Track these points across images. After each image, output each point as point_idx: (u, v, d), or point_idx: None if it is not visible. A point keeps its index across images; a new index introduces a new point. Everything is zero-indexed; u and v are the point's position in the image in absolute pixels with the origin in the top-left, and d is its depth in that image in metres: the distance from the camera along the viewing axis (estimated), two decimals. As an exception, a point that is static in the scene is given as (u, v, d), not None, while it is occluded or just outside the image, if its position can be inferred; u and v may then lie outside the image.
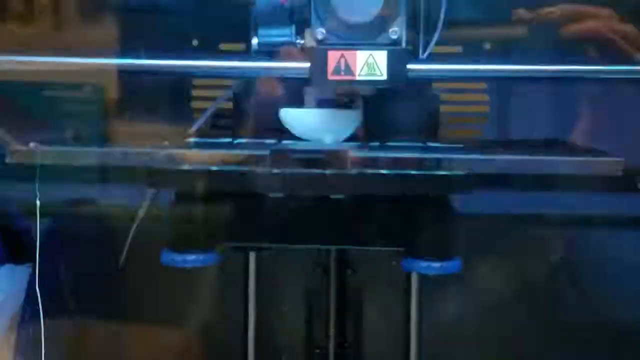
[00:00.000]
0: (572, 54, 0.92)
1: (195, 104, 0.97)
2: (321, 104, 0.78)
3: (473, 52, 0.96)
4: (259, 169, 0.66)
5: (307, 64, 0.72)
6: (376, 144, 0.78)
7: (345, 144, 0.77)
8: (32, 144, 0.68)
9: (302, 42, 0.74)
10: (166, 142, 0.74)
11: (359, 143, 0.77)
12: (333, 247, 0.77)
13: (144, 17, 0.94)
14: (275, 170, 0.66)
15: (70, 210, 0.89)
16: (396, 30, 0.71)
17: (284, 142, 0.77)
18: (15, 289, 0.86)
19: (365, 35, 0.71)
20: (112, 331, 0.93)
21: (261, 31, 0.74)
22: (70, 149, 0.69)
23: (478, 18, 0.95)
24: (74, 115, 0.93)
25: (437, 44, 0.95)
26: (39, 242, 0.75)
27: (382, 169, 0.66)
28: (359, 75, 0.71)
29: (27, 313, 0.84)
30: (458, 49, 0.96)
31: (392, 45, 0.71)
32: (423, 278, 0.75)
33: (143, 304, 0.94)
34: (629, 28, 0.86)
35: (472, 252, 0.72)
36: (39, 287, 0.76)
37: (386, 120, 0.90)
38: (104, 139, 0.81)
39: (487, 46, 0.97)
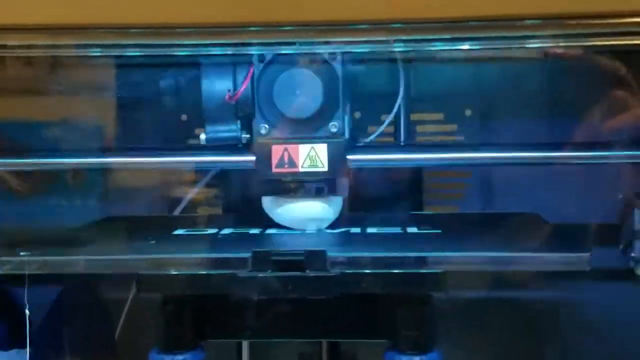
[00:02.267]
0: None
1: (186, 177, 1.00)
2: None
3: (454, 118, 0.98)
4: (241, 274, 0.68)
5: (253, 157, 0.76)
6: (357, 231, 0.80)
7: (326, 232, 0.79)
8: (22, 253, 0.70)
9: (247, 136, 0.77)
10: (153, 242, 0.76)
11: (339, 232, 0.79)
12: (320, 340, 0.79)
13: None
14: (256, 274, 0.67)
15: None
16: (335, 124, 0.75)
17: (268, 232, 0.79)
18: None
19: (307, 129, 0.75)
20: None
21: (208, 127, 0.77)
22: (58, 259, 0.70)
23: (460, 87, 0.97)
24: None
25: (421, 111, 0.99)
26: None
27: (360, 268, 0.68)
28: (302, 167, 0.75)
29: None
30: (440, 116, 0.99)
31: (331, 138, 0.75)
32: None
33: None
34: None
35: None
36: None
37: (369, 192, 0.92)
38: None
39: (468, 112, 0.99)
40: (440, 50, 0.75)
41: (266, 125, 0.76)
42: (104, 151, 0.85)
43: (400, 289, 0.68)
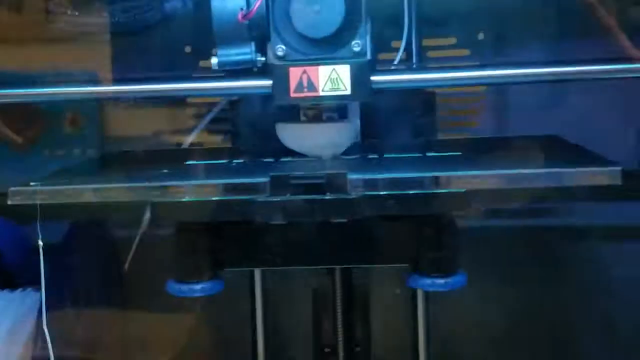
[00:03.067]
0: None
1: (191, 111, 0.98)
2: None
3: (467, 43, 0.96)
4: (259, 198, 0.66)
5: (269, 82, 0.70)
6: (375, 156, 0.78)
7: (343, 158, 0.77)
8: (32, 184, 0.68)
9: (262, 59, 0.71)
10: (165, 170, 0.74)
11: (357, 157, 0.76)
12: (339, 266, 0.77)
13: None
14: (275, 199, 0.65)
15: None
16: (358, 43, 0.69)
17: (282, 160, 0.77)
18: (26, 312, 0.86)
19: (327, 49, 0.69)
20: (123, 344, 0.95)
21: (220, 50, 0.71)
22: (69, 187, 0.68)
23: (473, 10, 0.95)
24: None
25: (433, 36, 0.96)
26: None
27: (380, 190, 0.66)
28: (323, 91, 0.69)
29: (40, 337, 0.85)
30: (452, 40, 0.96)
31: (354, 59, 0.69)
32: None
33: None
34: None
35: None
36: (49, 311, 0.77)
37: (385, 122, 0.90)
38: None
39: (481, 36, 0.96)
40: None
41: (283, 46, 0.70)
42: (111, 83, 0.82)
43: (422, 210, 0.66)
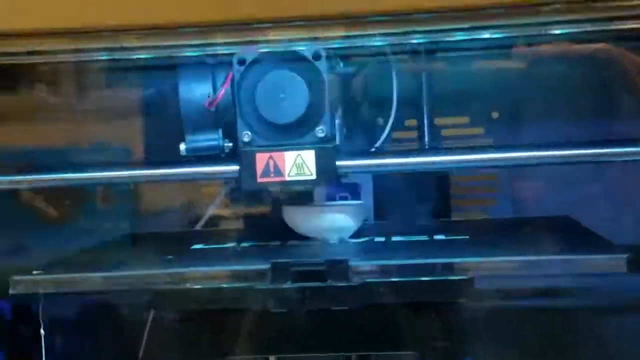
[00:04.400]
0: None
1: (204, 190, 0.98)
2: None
3: (480, 121, 0.95)
4: (259, 286, 0.65)
5: (236, 167, 0.70)
6: (381, 239, 0.77)
7: (349, 242, 0.76)
8: (34, 272, 0.69)
9: (230, 145, 0.72)
10: (170, 257, 0.73)
11: (362, 241, 0.76)
12: (348, 354, 0.75)
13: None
14: (274, 286, 0.65)
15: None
16: (323, 129, 0.69)
17: (288, 244, 0.76)
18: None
19: (293, 135, 0.69)
20: None
21: (188, 137, 0.72)
22: (71, 276, 0.68)
23: (485, 89, 0.94)
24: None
25: (445, 115, 0.96)
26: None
27: (383, 277, 0.64)
28: (289, 175, 0.69)
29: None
30: (465, 119, 0.96)
31: (319, 144, 0.69)
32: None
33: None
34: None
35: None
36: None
37: (396, 200, 0.89)
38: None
39: (495, 115, 0.96)
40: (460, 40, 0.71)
41: (249, 132, 0.70)
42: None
43: (425, 297, 0.65)
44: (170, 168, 0.75)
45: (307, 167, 0.69)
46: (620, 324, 0.89)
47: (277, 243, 0.77)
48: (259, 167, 0.69)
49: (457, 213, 0.93)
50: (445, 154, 0.77)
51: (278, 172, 0.69)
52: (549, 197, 0.92)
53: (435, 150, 0.86)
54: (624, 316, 0.89)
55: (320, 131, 0.69)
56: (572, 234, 0.75)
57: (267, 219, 0.87)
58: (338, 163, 0.70)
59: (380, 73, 0.81)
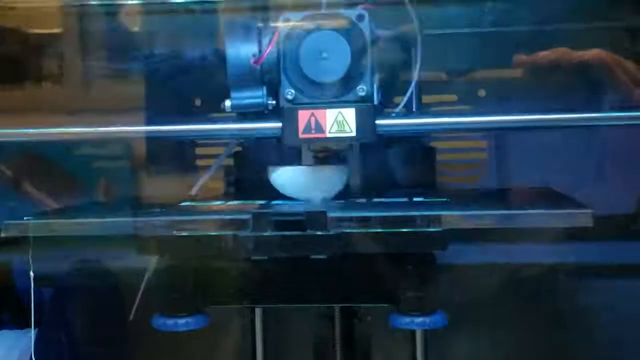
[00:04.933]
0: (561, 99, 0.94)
1: (200, 162, 1.01)
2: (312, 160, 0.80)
3: (468, 99, 0.98)
4: (241, 233, 0.68)
5: (279, 124, 0.74)
6: (362, 200, 0.79)
7: (331, 201, 0.78)
8: (25, 218, 0.71)
9: (273, 102, 0.75)
10: (157, 209, 0.76)
11: (344, 201, 0.78)
12: (322, 305, 0.78)
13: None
14: (254, 234, 0.67)
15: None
16: (363, 88, 0.73)
17: (274, 202, 0.79)
18: (17, 354, 0.87)
19: (334, 93, 0.73)
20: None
21: (233, 93, 0.75)
22: (63, 221, 0.71)
23: (473, 67, 0.97)
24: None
25: (434, 92, 0.98)
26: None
27: (361, 228, 0.67)
28: (329, 132, 0.73)
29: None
30: (453, 97, 0.98)
31: (360, 103, 0.73)
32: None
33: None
34: (627, 62, 0.88)
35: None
36: (43, 352, 0.78)
37: (381, 172, 0.91)
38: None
39: (482, 93, 0.98)
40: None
41: (292, 90, 0.73)
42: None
43: (400, 248, 0.67)
44: (217, 124, 0.79)
45: (348, 125, 0.73)
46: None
47: (263, 202, 0.80)
48: (301, 123, 0.73)
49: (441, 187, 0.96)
50: (483, 115, 0.80)
51: (319, 128, 0.73)
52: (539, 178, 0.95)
53: (471, 114, 0.89)
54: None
55: (360, 90, 0.73)
56: (548, 199, 0.78)
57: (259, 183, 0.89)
58: (377, 122, 0.73)
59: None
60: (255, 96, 0.75)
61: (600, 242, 0.84)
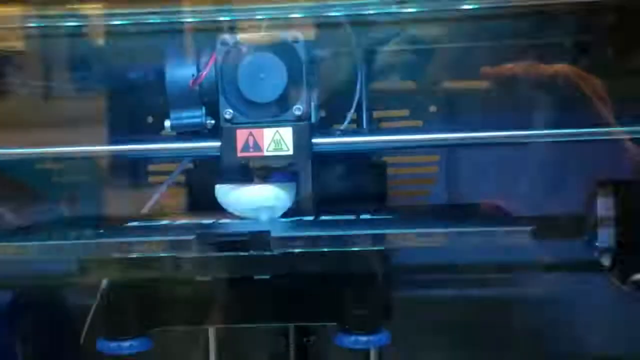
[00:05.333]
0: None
1: (152, 179, 1.00)
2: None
3: (419, 115, 0.98)
4: (184, 254, 0.67)
5: (218, 143, 0.75)
6: (309, 218, 0.79)
7: (278, 220, 0.78)
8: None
9: (212, 122, 0.77)
10: (101, 230, 0.75)
11: (290, 219, 0.78)
12: (267, 325, 0.78)
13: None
14: (197, 255, 0.67)
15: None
16: (300, 107, 0.74)
17: (220, 222, 0.79)
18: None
19: (272, 113, 0.75)
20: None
21: (173, 114, 0.77)
22: (4, 245, 0.70)
23: (424, 83, 0.98)
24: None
25: (386, 108, 0.99)
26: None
27: (302, 248, 0.67)
28: (267, 151, 0.74)
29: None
30: (405, 112, 0.99)
31: (296, 122, 0.74)
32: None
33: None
34: (591, 77, 0.89)
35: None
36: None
37: (331, 188, 0.92)
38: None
39: (433, 109, 0.99)
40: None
41: (230, 110, 0.75)
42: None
43: (343, 268, 0.67)
44: (155, 144, 0.81)
45: (285, 143, 0.75)
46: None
47: (210, 221, 0.80)
48: (240, 142, 0.75)
49: (395, 202, 0.96)
50: (421, 132, 0.84)
51: (257, 147, 0.75)
52: (486, 191, 0.95)
53: (408, 131, 0.89)
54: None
55: (297, 109, 0.75)
56: (491, 216, 0.78)
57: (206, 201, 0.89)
58: (314, 140, 0.75)
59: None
60: (194, 116, 0.77)
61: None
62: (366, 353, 0.77)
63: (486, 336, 0.89)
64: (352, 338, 0.69)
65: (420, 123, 0.98)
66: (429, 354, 0.91)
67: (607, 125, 0.83)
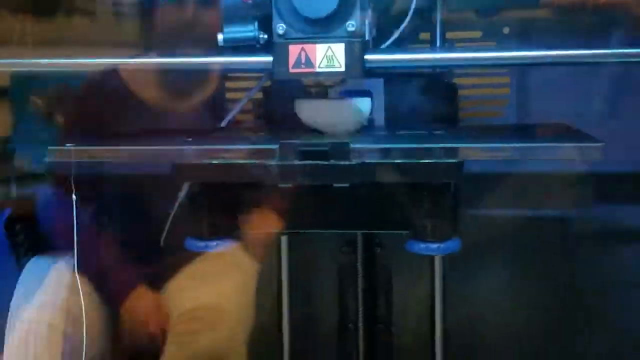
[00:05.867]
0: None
1: (229, 95, 1.04)
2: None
3: (493, 36, 0.99)
4: (268, 162, 0.72)
5: (270, 58, 0.75)
6: (383, 133, 0.83)
7: (355, 134, 0.82)
8: (67, 145, 0.76)
9: (265, 37, 0.76)
10: (189, 139, 0.80)
11: (367, 133, 0.82)
12: (342, 231, 0.82)
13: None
14: (281, 163, 0.71)
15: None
16: (353, 24, 0.74)
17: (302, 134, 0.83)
18: (53, 279, 0.92)
19: (324, 29, 0.74)
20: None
21: (225, 28, 0.77)
22: (102, 148, 0.75)
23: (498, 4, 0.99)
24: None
25: (458, 29, 1.00)
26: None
27: (379, 159, 0.71)
28: (319, 67, 0.74)
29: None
30: (478, 33, 1.00)
31: (349, 38, 0.74)
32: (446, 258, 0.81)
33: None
34: None
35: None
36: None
37: (407, 107, 0.94)
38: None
39: (506, 30, 1.00)
40: None
41: (283, 25, 0.75)
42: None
43: (418, 178, 0.71)
44: (208, 57, 0.80)
45: (337, 60, 0.74)
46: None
47: (291, 133, 0.84)
48: (292, 58, 0.75)
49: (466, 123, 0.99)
50: (468, 51, 0.83)
51: (309, 63, 0.75)
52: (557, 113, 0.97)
53: (455, 48, 0.90)
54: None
55: (350, 25, 0.74)
56: (563, 134, 0.80)
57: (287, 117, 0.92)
58: (366, 57, 0.75)
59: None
60: (247, 30, 0.77)
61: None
62: (431, 261, 0.81)
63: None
64: (423, 245, 0.73)
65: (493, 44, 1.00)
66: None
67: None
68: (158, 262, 0.92)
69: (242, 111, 0.97)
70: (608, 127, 0.89)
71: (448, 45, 0.95)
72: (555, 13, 0.97)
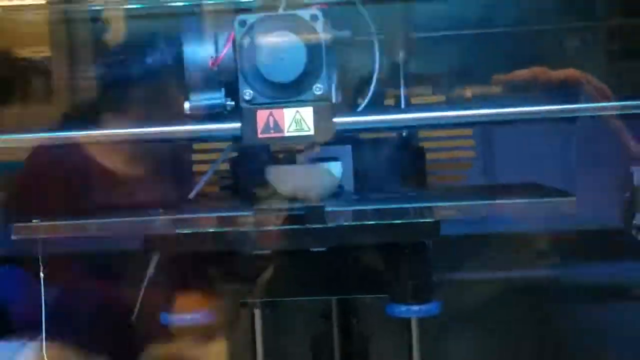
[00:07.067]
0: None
1: (196, 167, 1.03)
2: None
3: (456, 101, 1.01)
4: (244, 229, 0.71)
5: (239, 125, 0.75)
6: (356, 197, 0.82)
7: (327, 198, 0.81)
8: (34, 220, 0.74)
9: (232, 103, 0.76)
10: (161, 210, 0.78)
11: (339, 197, 0.81)
12: (319, 298, 0.81)
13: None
14: (258, 229, 0.70)
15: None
16: (320, 87, 0.74)
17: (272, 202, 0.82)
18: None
19: (292, 93, 0.74)
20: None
21: (192, 96, 0.76)
22: (69, 222, 0.74)
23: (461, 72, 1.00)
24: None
25: (422, 95, 1.01)
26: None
27: (356, 221, 0.70)
28: (288, 132, 0.74)
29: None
30: (442, 97, 1.01)
31: (317, 101, 0.74)
32: (422, 322, 0.79)
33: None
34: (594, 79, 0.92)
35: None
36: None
37: (375, 173, 0.94)
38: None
39: (468, 94, 1.01)
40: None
41: (250, 91, 0.74)
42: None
43: (395, 238, 0.70)
44: (176, 126, 0.79)
45: (306, 123, 0.74)
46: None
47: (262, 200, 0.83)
48: (260, 123, 0.74)
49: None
50: (439, 110, 0.82)
51: (278, 128, 0.74)
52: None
53: (427, 107, 0.90)
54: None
55: (317, 89, 0.74)
56: (534, 191, 0.81)
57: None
58: (334, 120, 0.75)
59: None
60: (213, 97, 0.76)
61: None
62: (408, 325, 0.80)
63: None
64: (404, 308, 0.72)
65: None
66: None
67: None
68: (132, 339, 0.89)
69: (210, 183, 0.98)
70: (579, 184, 0.91)
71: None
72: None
